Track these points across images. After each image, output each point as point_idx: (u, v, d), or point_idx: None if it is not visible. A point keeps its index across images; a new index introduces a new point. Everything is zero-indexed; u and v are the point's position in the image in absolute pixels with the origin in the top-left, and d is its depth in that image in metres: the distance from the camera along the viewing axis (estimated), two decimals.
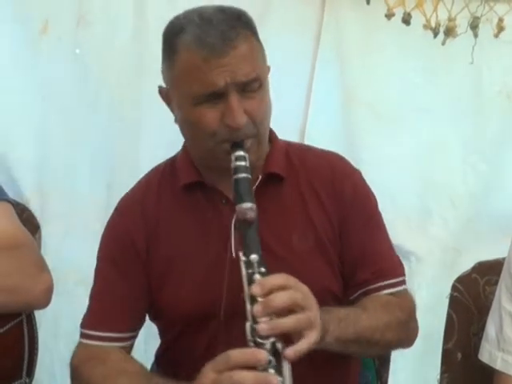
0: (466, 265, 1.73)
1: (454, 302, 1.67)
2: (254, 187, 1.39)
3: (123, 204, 1.54)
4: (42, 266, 1.58)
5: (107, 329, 1.45)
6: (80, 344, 1.47)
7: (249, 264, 1.19)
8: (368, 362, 1.74)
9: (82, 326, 1.47)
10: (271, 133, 1.49)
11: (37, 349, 1.62)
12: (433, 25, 2.05)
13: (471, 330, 1.63)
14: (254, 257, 1.18)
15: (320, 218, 1.44)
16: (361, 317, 1.31)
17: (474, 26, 2.04)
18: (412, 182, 2.30)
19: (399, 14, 2.05)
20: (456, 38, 2.06)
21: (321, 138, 2.22)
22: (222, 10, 1.31)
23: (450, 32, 2.05)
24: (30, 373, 1.59)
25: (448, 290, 1.69)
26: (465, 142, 2.29)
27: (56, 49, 2.30)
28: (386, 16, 2.06)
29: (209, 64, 1.25)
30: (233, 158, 1.27)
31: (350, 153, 2.15)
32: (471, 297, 1.67)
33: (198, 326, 1.41)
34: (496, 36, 2.05)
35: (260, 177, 1.41)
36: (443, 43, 2.07)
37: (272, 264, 1.25)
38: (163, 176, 1.51)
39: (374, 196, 1.53)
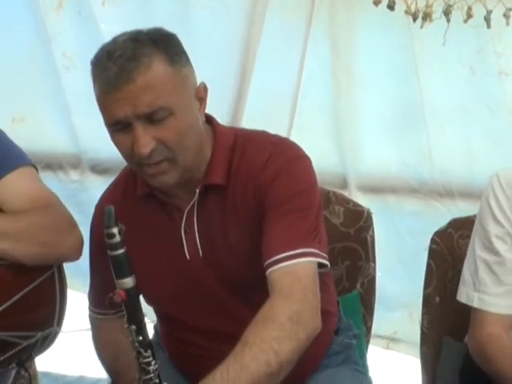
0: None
1: (433, 254, 1.77)
2: (195, 199, 1.41)
3: (99, 203, 1.58)
4: (72, 223, 1.59)
5: (101, 308, 1.55)
6: (89, 313, 1.62)
7: (131, 332, 1.25)
8: (352, 308, 1.79)
9: (88, 299, 1.61)
10: (217, 136, 1.45)
11: (66, 300, 1.62)
12: (413, 11, 2.16)
13: (447, 277, 1.73)
14: (132, 327, 1.24)
15: (248, 217, 1.41)
16: (244, 361, 1.15)
17: (447, 12, 2.15)
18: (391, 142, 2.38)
19: (385, 1, 2.16)
20: (432, 23, 2.17)
21: (310, 109, 2.32)
22: (135, 39, 1.28)
23: (427, 17, 2.16)
24: (60, 322, 1.61)
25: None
26: (433, 105, 2.34)
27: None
28: (374, 3, 2.15)
29: (108, 97, 1.25)
30: (105, 234, 1.24)
31: (338, 120, 2.34)
32: (447, 249, 1.77)
33: (166, 307, 1.47)
34: (465, 22, 2.16)
35: (198, 191, 1.40)
36: (421, 26, 2.17)
37: (215, 259, 1.40)
38: (127, 183, 1.53)
39: (304, 183, 1.41)
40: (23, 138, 1.64)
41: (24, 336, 1.50)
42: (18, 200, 1.55)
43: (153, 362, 1.24)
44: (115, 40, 1.27)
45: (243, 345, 1.13)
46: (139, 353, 1.24)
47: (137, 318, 1.25)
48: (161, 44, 1.27)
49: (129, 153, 1.28)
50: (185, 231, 1.41)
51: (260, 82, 2.31)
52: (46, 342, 1.59)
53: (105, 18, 2.34)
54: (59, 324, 1.59)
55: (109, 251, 1.21)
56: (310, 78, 2.32)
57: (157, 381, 1.23)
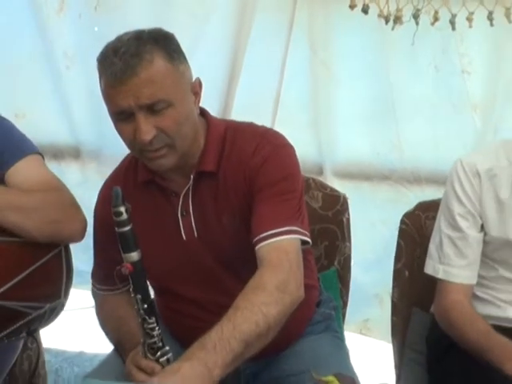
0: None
1: (402, 233, 1.83)
2: (190, 184, 1.44)
3: (104, 187, 1.60)
4: (78, 206, 1.60)
5: (105, 284, 1.59)
6: (92, 289, 1.64)
7: (136, 301, 1.29)
8: (331, 283, 1.82)
9: (92, 277, 1.63)
10: (209, 127, 1.48)
11: (72, 275, 1.64)
12: (385, 14, 2.20)
13: (415, 254, 1.78)
14: (138, 296, 1.28)
15: (240, 201, 1.43)
16: (237, 322, 1.19)
17: (415, 16, 2.20)
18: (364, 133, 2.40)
19: (360, 5, 2.20)
20: (402, 25, 2.21)
21: (291, 104, 2.35)
22: (138, 37, 1.31)
23: (397, 20, 2.20)
24: (67, 294, 1.63)
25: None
26: (402, 99, 2.36)
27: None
28: (350, 7, 2.19)
29: (114, 90, 1.28)
30: (113, 212, 1.25)
31: (317, 114, 2.36)
32: (415, 229, 1.82)
33: (165, 282, 1.49)
34: (432, 24, 2.20)
35: (192, 176, 1.43)
36: (392, 28, 2.21)
37: (209, 239, 1.44)
38: (128, 170, 1.54)
39: (289, 168, 1.45)
40: (25, 132, 1.66)
41: (34, 307, 1.51)
42: (28, 184, 1.56)
43: (156, 328, 1.27)
44: (119, 38, 1.29)
45: (235, 309, 1.17)
46: (144, 319, 1.28)
47: (142, 288, 1.28)
48: (161, 42, 1.30)
49: (131, 140, 1.31)
50: (181, 214, 1.44)
51: (247, 78, 2.32)
52: (53, 313, 1.60)
53: (103, 20, 2.34)
54: (66, 296, 1.61)
55: (116, 228, 1.24)
56: (291, 75, 2.34)
57: (160, 344, 1.27)
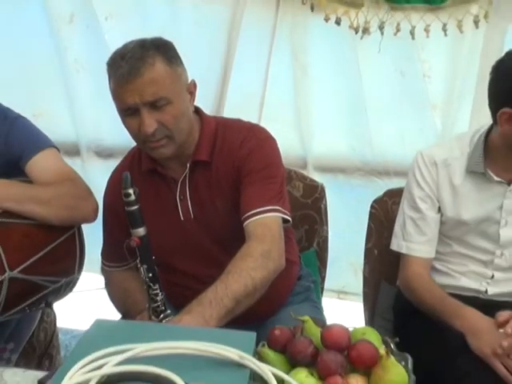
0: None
1: (372, 217, 1.90)
2: (186, 171, 1.49)
3: (114, 173, 1.65)
4: (90, 192, 1.63)
5: (113, 261, 1.65)
6: (102, 266, 1.69)
7: (142, 271, 1.35)
8: (310, 261, 1.87)
9: (101, 255, 1.68)
10: (203, 123, 1.53)
11: (85, 254, 1.68)
12: (355, 26, 2.25)
13: (383, 235, 1.85)
14: (144, 266, 1.34)
15: (231, 186, 1.49)
16: (228, 283, 1.26)
17: (381, 27, 2.24)
18: (340, 130, 2.43)
19: (333, 18, 2.24)
20: (370, 35, 2.26)
21: (275, 103, 2.37)
22: (142, 45, 1.37)
23: (365, 31, 2.25)
24: (80, 270, 1.68)
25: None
26: (372, 101, 2.38)
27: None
28: (325, 19, 2.23)
29: (122, 89, 1.34)
30: (123, 193, 1.31)
31: (297, 113, 2.39)
32: (383, 213, 1.89)
33: (166, 258, 1.50)
34: (395, 34, 2.24)
35: (188, 164, 1.48)
36: (361, 38, 2.26)
37: (204, 220, 1.49)
38: (133, 159, 1.59)
39: (272, 157, 1.51)
40: (42, 129, 1.69)
41: (52, 281, 1.56)
42: (46, 174, 1.60)
43: (159, 294, 1.35)
44: (126, 46, 1.37)
45: (227, 273, 1.25)
46: (149, 286, 1.35)
47: (147, 260, 1.34)
48: (161, 49, 1.37)
49: (136, 132, 1.38)
50: (179, 198, 1.50)
51: (237, 81, 2.35)
52: (68, 286, 1.66)
53: (108, 31, 2.36)
54: (79, 272, 1.66)
55: (126, 207, 1.30)
56: (275, 78, 2.37)
57: (163, 308, 1.34)
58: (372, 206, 1.91)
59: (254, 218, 1.38)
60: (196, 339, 0.83)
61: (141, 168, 1.55)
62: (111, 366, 0.73)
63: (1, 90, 1.77)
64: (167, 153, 1.42)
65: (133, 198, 1.29)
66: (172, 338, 0.83)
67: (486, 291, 1.62)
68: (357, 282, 1.93)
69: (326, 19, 2.24)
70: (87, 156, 2.44)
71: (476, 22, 2.20)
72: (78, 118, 2.46)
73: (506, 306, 1.58)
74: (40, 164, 1.62)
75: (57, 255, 1.57)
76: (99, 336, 0.86)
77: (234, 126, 1.56)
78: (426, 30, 2.22)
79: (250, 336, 0.88)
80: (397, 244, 1.69)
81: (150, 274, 1.33)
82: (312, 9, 2.22)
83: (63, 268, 1.62)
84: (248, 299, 1.25)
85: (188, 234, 1.50)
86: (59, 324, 2.00)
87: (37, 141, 1.67)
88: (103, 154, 2.48)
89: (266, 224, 1.38)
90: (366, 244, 1.90)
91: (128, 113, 1.37)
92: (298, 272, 1.70)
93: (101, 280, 1.74)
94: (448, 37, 2.22)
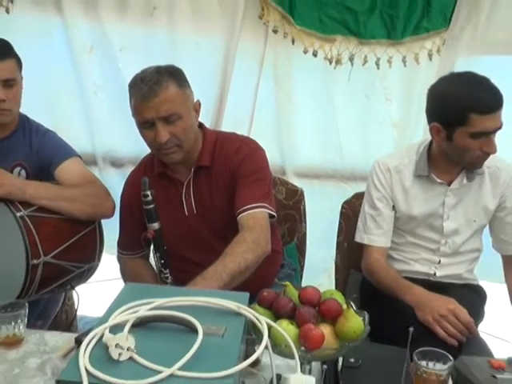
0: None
1: (343, 215, 1.97)
2: (191, 175, 1.57)
3: (130, 176, 1.72)
4: (108, 193, 1.72)
5: (127, 250, 1.72)
6: (118, 254, 1.75)
7: (156, 258, 1.45)
8: (292, 253, 1.92)
9: (117, 245, 1.74)
10: (205, 135, 1.60)
11: (103, 244, 1.75)
12: (329, 57, 2.31)
13: (351, 230, 1.86)
14: (157, 254, 1.45)
15: (227, 187, 1.57)
16: (226, 262, 1.35)
17: (351, 59, 2.31)
18: (315, 144, 2.43)
19: (311, 50, 2.29)
20: (341, 65, 2.31)
21: (262, 122, 2.39)
22: (158, 71, 1.46)
23: (338, 62, 2.31)
24: (99, 258, 1.75)
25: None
26: (343, 120, 2.39)
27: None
28: (303, 52, 2.28)
29: (142, 106, 1.43)
30: (142, 195, 1.41)
31: (280, 129, 2.41)
32: (351, 212, 1.95)
33: (175, 248, 1.56)
34: (363, 65, 2.31)
35: (193, 169, 1.57)
36: (335, 68, 2.32)
37: (204, 215, 1.57)
38: (147, 164, 1.67)
39: (261, 164, 1.59)
40: None
41: (77, 266, 1.64)
42: (72, 178, 1.70)
43: (169, 277, 1.45)
44: (145, 71, 1.48)
45: (225, 255, 1.37)
46: (161, 271, 1.46)
47: (160, 249, 1.45)
48: (173, 74, 1.48)
49: (152, 142, 1.48)
50: (185, 197, 1.59)
51: (231, 102, 2.36)
52: (89, 272, 1.74)
53: (122, 60, 2.38)
54: (98, 260, 1.75)
55: (144, 206, 1.40)
56: (262, 101, 2.38)
57: None
58: (343, 207, 1.96)
59: (246, 213, 1.48)
60: (204, 296, 0.98)
61: (153, 172, 1.61)
62: (144, 311, 0.88)
63: (29, 109, 1.78)
64: (177, 158, 1.51)
65: (150, 198, 1.40)
66: (186, 295, 0.97)
67: (435, 274, 1.71)
68: (331, 270, 1.98)
69: (305, 51, 2.28)
70: (103, 165, 2.47)
71: (430, 55, 2.28)
72: (95, 133, 2.47)
73: (451, 286, 1.70)
74: (67, 169, 1.70)
75: (81, 245, 1.64)
76: (130, 294, 0.98)
77: (231, 137, 1.64)
78: (389, 61, 2.30)
79: (245, 295, 1.02)
80: (359, 237, 1.76)
81: (162, 261, 1.43)
82: (293, 42, 2.26)
83: (86, 256, 1.69)
84: (241, 276, 1.36)
85: (191, 227, 1.57)
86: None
87: (64, 150, 1.74)
88: (116, 163, 2.51)
89: (255, 217, 1.47)
90: (338, 238, 1.96)
91: (146, 125, 1.46)
92: (282, 261, 1.77)
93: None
94: (407, 67, 2.29)
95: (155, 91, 1.42)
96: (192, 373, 0.75)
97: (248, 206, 1.49)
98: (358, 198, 1.93)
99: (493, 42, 2.21)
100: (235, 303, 0.95)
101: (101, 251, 1.75)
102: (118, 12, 2.28)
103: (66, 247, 1.58)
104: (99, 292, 2.00)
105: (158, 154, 1.55)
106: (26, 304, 1.28)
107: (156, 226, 1.42)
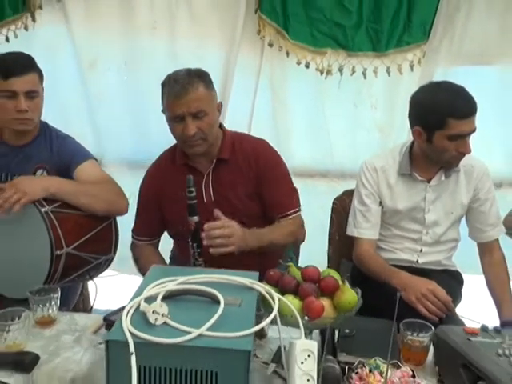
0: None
1: (334, 210, 2.04)
2: (212, 166, 1.67)
3: (151, 169, 1.79)
4: (123, 193, 1.78)
5: (142, 236, 1.80)
6: (132, 241, 1.82)
7: (192, 247, 1.50)
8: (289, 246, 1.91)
9: (132, 232, 1.82)
10: (224, 133, 1.71)
11: (118, 238, 1.80)
12: (320, 68, 2.40)
13: (342, 224, 1.94)
14: (194, 244, 1.49)
15: (248, 179, 1.69)
16: (272, 231, 1.62)
17: (340, 69, 2.41)
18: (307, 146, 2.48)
19: (303, 62, 2.37)
20: (332, 76, 2.41)
21: (260, 127, 2.45)
22: (189, 73, 1.57)
23: (328, 72, 2.41)
24: (115, 251, 1.81)
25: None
26: (333, 125, 2.46)
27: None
28: (297, 63, 2.37)
29: (174, 103, 1.55)
30: (187, 191, 1.47)
31: (276, 133, 2.47)
32: (341, 207, 2.01)
33: (184, 236, 1.60)
34: (351, 75, 2.41)
35: (214, 161, 1.68)
36: (325, 78, 2.41)
37: (222, 203, 1.65)
38: (167, 158, 1.75)
39: (281, 163, 1.76)
40: None
41: (95, 257, 1.70)
42: (90, 177, 1.77)
43: (202, 264, 1.51)
44: (177, 72, 1.59)
45: (273, 227, 1.65)
46: (196, 259, 1.52)
47: (197, 239, 1.50)
48: (202, 77, 1.59)
49: (180, 135, 1.59)
50: (204, 186, 1.68)
51: (232, 109, 2.42)
52: (106, 263, 1.80)
53: (126, 73, 2.45)
54: (114, 252, 1.80)
55: (188, 201, 1.48)
56: (259, 108, 2.45)
57: None
58: (334, 203, 2.05)
59: (288, 218, 1.73)
60: (221, 274, 1.09)
61: (175, 163, 1.72)
62: (172, 286, 0.99)
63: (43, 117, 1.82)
64: (201, 150, 1.63)
65: (194, 194, 1.47)
66: (206, 274, 1.08)
67: (417, 261, 1.80)
68: (323, 261, 2.03)
69: (298, 63, 2.37)
70: (108, 167, 2.48)
71: (411, 66, 2.37)
72: (100, 137, 2.54)
73: (432, 271, 1.78)
74: (85, 170, 1.77)
75: (99, 238, 1.71)
76: (157, 274, 1.10)
77: (245, 136, 1.81)
78: (375, 72, 2.39)
79: (255, 274, 1.13)
80: (350, 230, 1.84)
81: (199, 250, 1.50)
82: (287, 55, 2.35)
83: (103, 248, 1.76)
84: (271, 248, 1.62)
85: (209, 214, 1.60)
86: None
87: (82, 153, 1.81)
88: (121, 164, 2.56)
89: (295, 220, 1.75)
90: (330, 231, 2.04)
91: (176, 120, 1.58)
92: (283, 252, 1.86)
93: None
94: (391, 77, 2.39)
95: (187, 90, 1.53)
96: (217, 333, 0.86)
97: (288, 213, 1.74)
98: (348, 195, 2.01)
99: (467, 53, 2.32)
100: (248, 279, 1.06)
101: (116, 245, 1.81)
102: (121, 28, 2.35)
103: (85, 240, 1.64)
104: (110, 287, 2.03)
105: (183, 146, 1.65)
106: (58, 289, 1.38)
107: (196, 219, 1.49)
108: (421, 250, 1.81)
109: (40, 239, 1.55)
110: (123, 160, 2.60)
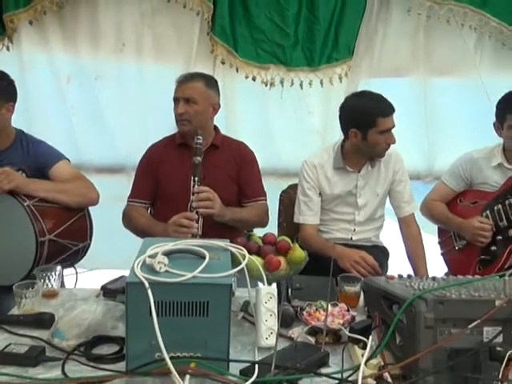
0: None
1: (281, 203, 2.30)
2: (205, 149, 1.88)
3: (151, 147, 2.06)
4: (94, 186, 1.95)
5: (137, 198, 2.04)
6: (127, 204, 2.05)
7: (195, 181, 1.76)
8: None
9: (128, 198, 2.06)
10: (216, 132, 2.02)
11: (92, 226, 1.97)
12: (265, 81, 2.67)
13: (289, 213, 2.18)
14: (196, 178, 1.77)
15: (231, 165, 1.99)
16: (243, 210, 1.95)
17: (281, 82, 2.68)
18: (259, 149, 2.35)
19: (250, 76, 2.64)
20: (275, 87, 2.68)
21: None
22: (196, 73, 1.95)
23: (272, 84, 2.68)
24: (91, 238, 1.97)
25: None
26: (278, 130, 2.67)
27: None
28: (245, 77, 2.64)
29: (176, 88, 1.92)
30: (195, 140, 1.74)
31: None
32: (288, 200, 2.26)
33: (176, 203, 1.83)
34: (291, 86, 2.67)
35: (208, 145, 1.96)
36: (269, 89, 2.69)
37: (213, 182, 1.84)
38: (167, 139, 2.05)
39: (256, 160, 2.06)
40: None
41: (74, 244, 1.88)
42: (64, 176, 1.92)
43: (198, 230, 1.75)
44: (188, 73, 1.97)
45: (246, 208, 1.98)
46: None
47: (199, 175, 1.77)
48: (205, 77, 1.96)
49: (175, 113, 1.92)
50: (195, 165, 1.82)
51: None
52: (83, 251, 1.97)
53: (97, 87, 2.65)
54: (90, 240, 1.98)
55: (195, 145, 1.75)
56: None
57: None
58: (281, 195, 2.32)
59: (257, 203, 2.04)
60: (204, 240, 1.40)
61: (174, 143, 2.01)
62: (169, 246, 1.29)
63: (21, 126, 1.98)
64: (185, 129, 1.93)
65: (200, 141, 1.76)
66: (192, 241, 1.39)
67: (351, 239, 2.12)
68: None
69: (246, 77, 2.64)
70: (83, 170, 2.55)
71: (340, 78, 2.67)
72: (73, 145, 2.68)
73: (363, 247, 2.05)
74: (59, 169, 1.95)
75: (75, 227, 1.88)
76: (151, 242, 1.33)
77: (233, 138, 2.12)
78: (310, 83, 2.67)
79: (227, 240, 1.40)
80: (296, 218, 2.11)
81: (199, 183, 1.76)
82: (237, 70, 2.63)
83: (80, 235, 1.94)
84: (242, 223, 1.92)
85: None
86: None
87: (56, 155, 2.00)
88: (92, 169, 2.71)
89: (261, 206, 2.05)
90: (279, 220, 2.30)
91: (175, 102, 1.91)
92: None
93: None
94: (323, 87, 2.67)
95: (187, 80, 1.90)
96: (206, 274, 1.18)
97: (258, 198, 2.06)
98: (293, 188, 2.26)
99: (384, 68, 2.67)
100: (223, 243, 1.38)
101: (91, 233, 2.00)
102: (92, 47, 2.57)
103: (64, 228, 1.83)
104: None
105: (176, 124, 1.96)
106: (60, 267, 1.61)
107: (199, 159, 1.75)
108: (354, 230, 2.12)
109: (24, 229, 1.72)
110: (94, 164, 2.77)
